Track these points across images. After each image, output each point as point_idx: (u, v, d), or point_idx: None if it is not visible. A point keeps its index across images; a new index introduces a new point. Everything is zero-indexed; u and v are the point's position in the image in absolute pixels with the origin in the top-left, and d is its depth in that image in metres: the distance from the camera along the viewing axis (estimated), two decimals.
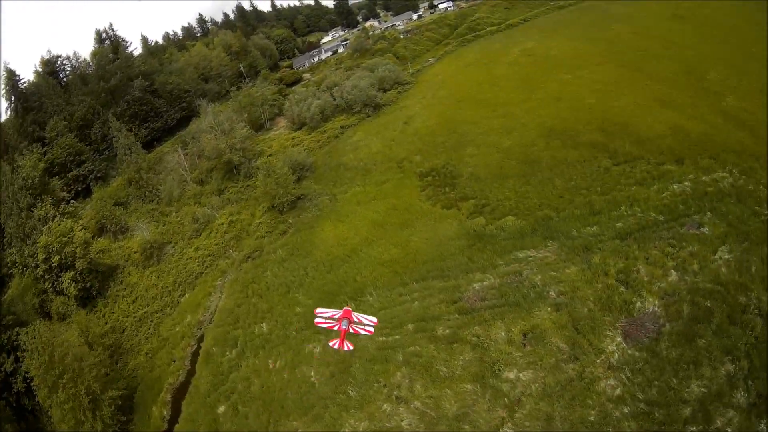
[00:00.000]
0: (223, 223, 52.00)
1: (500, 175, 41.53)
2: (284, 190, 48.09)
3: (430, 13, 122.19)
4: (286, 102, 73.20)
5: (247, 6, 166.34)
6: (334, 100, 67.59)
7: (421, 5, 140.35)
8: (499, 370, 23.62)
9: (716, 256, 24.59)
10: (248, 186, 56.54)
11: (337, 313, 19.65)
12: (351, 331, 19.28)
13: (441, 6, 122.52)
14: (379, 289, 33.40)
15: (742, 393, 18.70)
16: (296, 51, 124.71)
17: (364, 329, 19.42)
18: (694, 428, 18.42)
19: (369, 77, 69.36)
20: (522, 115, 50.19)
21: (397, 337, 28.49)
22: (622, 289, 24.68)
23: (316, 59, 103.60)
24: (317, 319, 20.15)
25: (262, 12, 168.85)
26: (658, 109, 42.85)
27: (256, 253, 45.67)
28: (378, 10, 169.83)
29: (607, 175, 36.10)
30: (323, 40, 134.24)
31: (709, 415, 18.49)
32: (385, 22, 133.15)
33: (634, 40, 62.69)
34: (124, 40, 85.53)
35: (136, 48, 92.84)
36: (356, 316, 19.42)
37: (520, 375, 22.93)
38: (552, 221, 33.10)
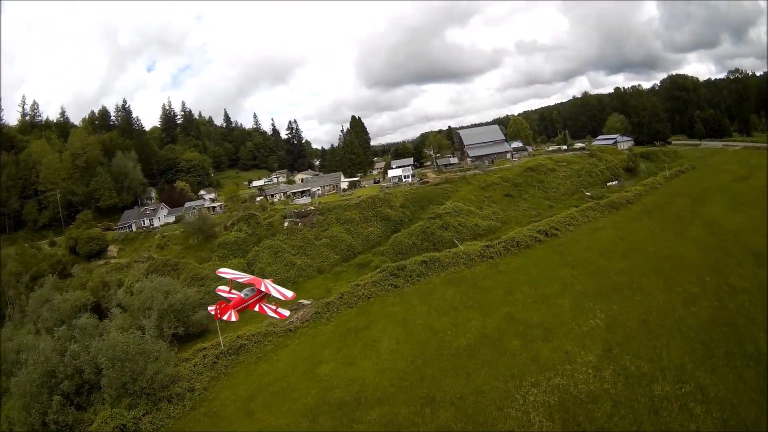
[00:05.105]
0: None
1: None
2: None
3: (376, 181, 77.40)
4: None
5: (189, 104, 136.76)
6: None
7: (377, 165, 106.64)
8: None
9: None
10: None
11: (244, 277, 16.37)
12: (257, 308, 15.48)
13: (392, 174, 75.47)
14: None
15: None
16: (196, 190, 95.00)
17: (273, 310, 15.28)
18: None
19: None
20: None
21: None
22: None
23: (148, 222, 71.78)
24: (220, 287, 16.99)
25: (202, 120, 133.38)
26: None
27: None
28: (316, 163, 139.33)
29: None
30: (255, 183, 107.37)
31: None
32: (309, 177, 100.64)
33: None
34: None
35: None
36: (270, 286, 14.75)
37: None
38: None
